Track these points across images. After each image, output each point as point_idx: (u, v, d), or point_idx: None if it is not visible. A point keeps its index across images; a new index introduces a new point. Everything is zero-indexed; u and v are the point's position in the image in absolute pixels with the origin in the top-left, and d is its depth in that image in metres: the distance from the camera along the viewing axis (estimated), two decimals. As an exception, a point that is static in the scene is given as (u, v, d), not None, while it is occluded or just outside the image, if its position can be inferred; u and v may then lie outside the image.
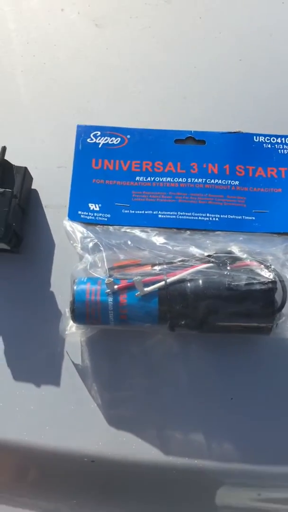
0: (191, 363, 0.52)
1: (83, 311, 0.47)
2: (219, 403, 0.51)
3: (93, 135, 0.60)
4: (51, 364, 0.52)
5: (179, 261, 0.50)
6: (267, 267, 0.48)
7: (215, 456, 0.50)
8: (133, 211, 0.57)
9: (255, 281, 0.46)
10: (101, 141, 0.60)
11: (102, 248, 0.52)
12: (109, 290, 0.47)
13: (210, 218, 0.56)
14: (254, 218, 0.56)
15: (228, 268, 0.48)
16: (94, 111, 0.62)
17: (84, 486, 0.52)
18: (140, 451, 0.50)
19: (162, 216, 0.56)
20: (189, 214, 0.56)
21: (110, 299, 0.47)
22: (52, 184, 0.59)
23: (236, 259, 0.50)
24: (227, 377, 0.52)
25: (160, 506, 0.53)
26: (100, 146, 0.60)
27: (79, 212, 0.56)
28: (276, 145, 0.60)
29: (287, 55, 0.65)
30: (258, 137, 0.60)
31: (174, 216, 0.56)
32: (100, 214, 0.56)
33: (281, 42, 0.66)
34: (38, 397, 0.51)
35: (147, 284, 0.47)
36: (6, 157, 0.53)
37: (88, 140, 0.60)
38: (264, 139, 0.60)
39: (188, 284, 0.47)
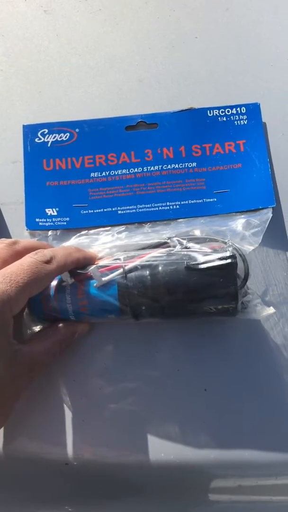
0: (161, 357, 0.62)
1: (40, 305, 0.58)
2: (192, 395, 0.61)
3: (41, 134, 0.70)
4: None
5: (139, 249, 0.61)
6: (225, 243, 0.59)
7: (191, 450, 0.59)
8: (92, 211, 0.67)
9: (213, 258, 0.56)
10: (50, 139, 0.70)
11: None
12: (64, 282, 0.58)
13: (171, 207, 0.67)
14: (215, 199, 0.67)
15: (186, 247, 0.59)
16: (47, 101, 0.72)
17: (59, 489, 0.62)
18: (112, 451, 0.59)
19: (122, 212, 0.67)
20: (148, 205, 0.67)
21: (67, 292, 0.58)
22: (7, 180, 0.69)
23: (194, 239, 0.61)
24: (199, 368, 0.62)
25: (138, 504, 0.62)
26: (49, 145, 0.70)
27: (37, 220, 0.67)
28: (232, 117, 0.70)
29: (245, 30, 0.77)
30: (212, 111, 0.71)
31: (133, 210, 0.67)
32: (59, 219, 0.67)
33: (238, 16, 0.79)
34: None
35: (105, 274, 0.58)
36: None
37: (36, 140, 0.70)
38: (219, 112, 0.70)
39: (147, 269, 0.57)
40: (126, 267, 0.58)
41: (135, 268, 0.58)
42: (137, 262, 0.58)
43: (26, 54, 0.76)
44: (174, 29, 0.78)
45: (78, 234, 0.65)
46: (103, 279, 0.58)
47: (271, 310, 0.60)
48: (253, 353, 0.62)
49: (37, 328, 0.62)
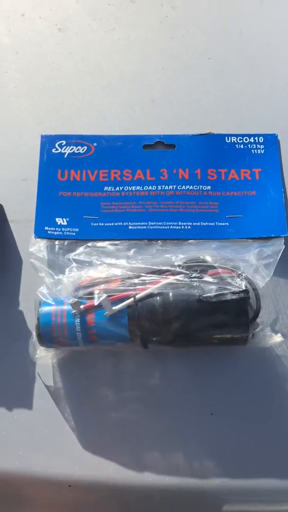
0: (167, 380, 0.52)
1: (50, 334, 0.47)
2: (199, 419, 0.51)
3: (58, 145, 0.59)
4: (23, 387, 0.52)
5: (149, 274, 0.49)
6: (239, 275, 0.47)
7: (197, 474, 0.49)
8: (102, 224, 0.56)
9: (226, 291, 0.46)
10: (67, 150, 0.59)
11: (69, 268, 0.51)
12: (75, 311, 0.46)
13: (182, 227, 0.55)
14: (227, 224, 0.55)
15: (199, 277, 0.48)
16: (60, 119, 0.62)
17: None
18: (118, 474, 0.49)
19: (133, 227, 0.56)
20: (160, 223, 0.56)
21: (77, 320, 0.46)
22: (17, 197, 0.58)
23: (207, 267, 0.49)
24: (206, 392, 0.51)
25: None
26: (65, 156, 0.59)
27: (46, 228, 0.55)
28: (249, 145, 0.59)
29: (257, 52, 0.65)
30: (230, 137, 0.59)
31: (144, 227, 0.56)
32: (68, 229, 0.55)
33: (251, 39, 0.66)
34: (10, 421, 0.51)
35: (115, 302, 0.47)
36: None
37: (53, 150, 0.59)
38: (237, 140, 0.59)
39: (157, 299, 0.47)
40: (137, 296, 0.47)
41: (145, 298, 0.47)
42: (148, 291, 0.47)
43: (39, 72, 0.64)
44: (187, 50, 0.65)
45: (85, 245, 0.54)
46: (113, 308, 0.46)
47: (279, 338, 0.50)
48: (261, 380, 0.52)
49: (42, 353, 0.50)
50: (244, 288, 0.46)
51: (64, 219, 0.56)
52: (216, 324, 0.46)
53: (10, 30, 0.67)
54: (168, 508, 0.51)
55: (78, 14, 0.67)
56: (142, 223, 0.56)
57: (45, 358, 0.51)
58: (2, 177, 0.59)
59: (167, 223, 0.56)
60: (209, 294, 0.46)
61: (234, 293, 0.46)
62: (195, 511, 0.52)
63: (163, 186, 0.57)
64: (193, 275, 0.48)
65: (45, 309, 0.47)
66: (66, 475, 0.49)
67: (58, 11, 0.67)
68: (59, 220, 0.56)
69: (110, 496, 0.50)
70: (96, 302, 0.46)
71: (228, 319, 0.46)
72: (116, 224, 0.56)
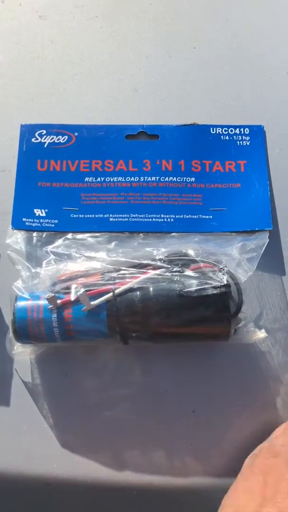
0: (149, 376, 0.51)
1: (26, 330, 0.45)
2: (180, 416, 0.50)
3: (38, 134, 0.57)
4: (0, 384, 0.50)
5: (130, 268, 0.48)
6: (221, 270, 0.46)
7: (178, 473, 0.48)
8: (83, 215, 0.54)
9: (207, 286, 0.45)
10: (47, 140, 0.57)
11: (47, 260, 0.49)
12: (51, 306, 0.44)
13: (165, 219, 0.54)
14: (211, 217, 0.54)
15: (180, 272, 0.46)
16: (40, 109, 0.59)
17: (39, 511, 0.49)
18: (97, 472, 0.48)
19: (114, 220, 0.54)
20: (142, 216, 0.54)
21: (54, 316, 0.45)
22: (-6, 189, 0.55)
23: (189, 262, 0.48)
24: (188, 389, 0.50)
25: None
26: (45, 145, 0.57)
27: (24, 219, 0.54)
28: (235, 137, 0.57)
29: (243, 41, 0.63)
30: (215, 128, 0.58)
31: (126, 219, 0.54)
32: (47, 220, 0.54)
33: (237, 28, 0.64)
34: (-14, 419, 0.49)
35: (93, 297, 0.45)
36: None
37: (33, 140, 0.57)
38: (222, 131, 0.58)
39: (137, 294, 0.45)
40: (116, 291, 0.45)
41: (125, 293, 0.45)
42: (127, 285, 0.46)
43: (19, 60, 0.62)
44: (171, 38, 0.64)
45: (64, 237, 0.53)
46: (92, 303, 0.45)
47: (262, 333, 0.48)
48: (244, 376, 0.51)
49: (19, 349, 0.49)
50: (225, 282, 0.45)
51: (42, 210, 0.54)
52: (197, 319, 0.45)
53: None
54: (148, 506, 0.50)
55: (59, 1, 0.65)
56: (123, 215, 0.54)
57: (22, 354, 0.49)
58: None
59: (149, 216, 0.54)
60: (190, 289, 0.45)
61: (215, 287, 0.44)
62: (176, 509, 0.51)
63: (145, 178, 0.55)
64: (174, 269, 0.47)
65: (21, 304, 0.45)
66: (44, 474, 0.48)
67: (39, -2, 0.65)
68: (37, 211, 0.54)
69: (89, 494, 0.49)
70: (73, 297, 0.44)
71: (209, 314, 0.45)
72: (96, 216, 0.54)
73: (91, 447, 0.49)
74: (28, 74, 0.61)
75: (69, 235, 0.53)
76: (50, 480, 0.48)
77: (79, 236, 0.53)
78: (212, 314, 0.45)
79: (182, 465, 0.49)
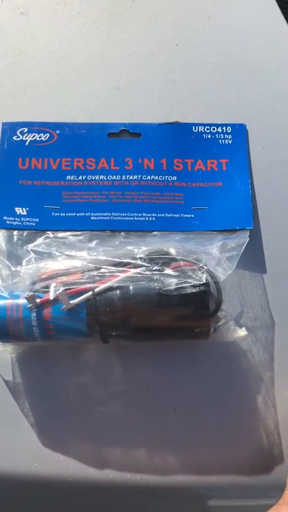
0: (130, 375, 0.51)
1: (5, 329, 0.45)
2: (161, 415, 0.50)
3: (20, 132, 0.57)
4: (-19, 383, 0.49)
5: (110, 266, 0.48)
6: (200, 268, 0.46)
7: (158, 471, 0.49)
8: (64, 214, 0.54)
9: (186, 284, 0.45)
10: (29, 138, 0.57)
11: (27, 259, 0.49)
12: (31, 305, 0.44)
13: (146, 218, 0.54)
14: (193, 215, 0.54)
15: (160, 271, 0.46)
16: (22, 106, 0.59)
17: (20, 510, 0.49)
18: (78, 470, 0.48)
19: (95, 218, 0.54)
20: (124, 214, 0.54)
21: (33, 315, 0.45)
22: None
23: (169, 260, 0.48)
24: (169, 388, 0.50)
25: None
26: (27, 143, 0.57)
27: (5, 218, 0.54)
28: (217, 135, 0.58)
29: (226, 39, 0.63)
30: (197, 127, 0.58)
31: (108, 217, 0.54)
32: (28, 219, 0.54)
33: (220, 25, 0.64)
34: None
35: (73, 296, 0.45)
36: None
37: (14, 138, 0.57)
38: (204, 129, 0.58)
39: (117, 292, 0.45)
40: (96, 290, 0.45)
41: (104, 291, 0.46)
42: (107, 284, 0.46)
43: (0, 57, 0.62)
44: (154, 36, 0.63)
45: (45, 236, 0.53)
46: (71, 302, 0.45)
47: (243, 332, 0.48)
48: (224, 375, 0.51)
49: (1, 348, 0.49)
50: (204, 281, 0.45)
51: (23, 209, 0.54)
52: (176, 317, 0.45)
53: None
54: (128, 505, 0.50)
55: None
56: (105, 214, 0.54)
57: (3, 353, 0.49)
58: None
59: (131, 214, 0.54)
60: (169, 287, 0.45)
61: (194, 286, 0.45)
62: (157, 508, 0.51)
63: (127, 176, 0.55)
64: (154, 268, 0.47)
65: (0, 302, 0.45)
66: (25, 473, 0.48)
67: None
68: (18, 210, 0.54)
69: (70, 493, 0.49)
70: (52, 296, 0.44)
71: (188, 313, 0.45)
72: (78, 214, 0.54)
73: (72, 445, 0.49)
74: (9, 71, 0.61)
75: (50, 234, 0.53)
76: (31, 479, 0.48)
77: (60, 234, 0.53)
78: (191, 312, 0.45)
79: (163, 463, 0.49)
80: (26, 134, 0.57)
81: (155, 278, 0.46)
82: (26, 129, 0.57)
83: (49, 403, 0.50)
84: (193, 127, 0.58)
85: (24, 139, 0.57)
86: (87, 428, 0.49)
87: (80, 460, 0.49)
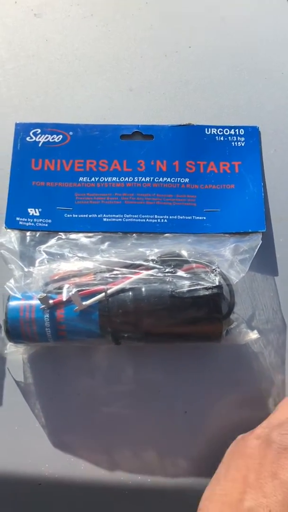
0: (141, 377, 0.51)
1: (18, 330, 0.45)
2: (172, 417, 0.50)
3: (33, 133, 0.57)
4: (-8, 383, 0.50)
5: (123, 268, 0.48)
6: (213, 271, 0.46)
7: (169, 473, 0.49)
8: (76, 215, 0.54)
9: (199, 287, 0.45)
10: (42, 139, 0.57)
11: (40, 260, 0.49)
12: (43, 306, 0.44)
13: (159, 220, 0.54)
14: (205, 218, 0.54)
15: (172, 273, 0.46)
16: (35, 108, 0.59)
17: (31, 511, 0.49)
18: (89, 472, 0.49)
19: (107, 220, 0.54)
20: (136, 216, 0.54)
21: (46, 316, 0.45)
22: (-13, 189, 0.56)
23: (181, 262, 0.48)
24: (180, 390, 0.50)
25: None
26: (40, 145, 0.57)
27: (18, 219, 0.54)
28: (230, 137, 0.58)
29: (239, 41, 0.63)
30: (210, 129, 0.58)
31: (120, 219, 0.54)
32: (40, 220, 0.54)
33: (233, 27, 0.64)
34: (-21, 418, 0.49)
35: (85, 297, 0.45)
36: None
37: (28, 138, 0.57)
38: (217, 131, 0.58)
39: (129, 294, 0.45)
40: (108, 291, 0.45)
41: (117, 293, 0.46)
42: (119, 286, 0.46)
43: (13, 58, 0.62)
44: (167, 37, 0.63)
45: (57, 237, 0.53)
46: (84, 303, 0.45)
47: (254, 334, 0.48)
48: (236, 378, 0.51)
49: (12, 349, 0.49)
50: (217, 283, 0.45)
51: (36, 210, 0.54)
52: (189, 320, 0.45)
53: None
54: (139, 507, 0.50)
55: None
56: (117, 216, 0.54)
57: (15, 353, 0.50)
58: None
59: (143, 216, 0.54)
60: (181, 290, 0.45)
61: (207, 288, 0.45)
62: (168, 509, 0.51)
63: (140, 178, 0.56)
64: (167, 270, 0.47)
65: (13, 303, 0.46)
66: (36, 473, 0.48)
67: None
68: (31, 211, 0.54)
69: (81, 494, 0.49)
70: (65, 297, 0.44)
71: (201, 315, 0.45)
72: (90, 216, 0.54)
73: (83, 446, 0.49)
74: (22, 73, 0.61)
75: (62, 235, 0.53)
76: (42, 479, 0.48)
77: (73, 236, 0.53)
78: (204, 315, 0.45)
79: (173, 465, 0.49)
80: (39, 135, 0.57)
81: (167, 280, 0.46)
82: (39, 130, 0.57)
83: (60, 404, 0.50)
84: (206, 129, 0.58)
85: (37, 140, 0.57)
86: (97, 430, 0.50)
87: (90, 462, 0.49)
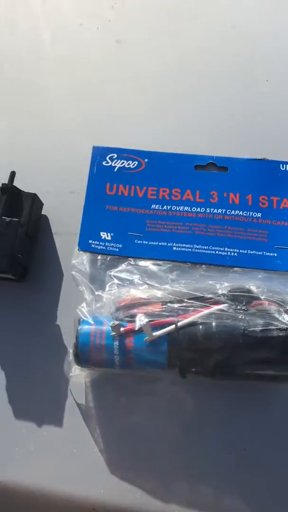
0: (202, 410, 0.50)
1: (87, 355, 0.46)
2: (231, 453, 0.49)
3: (109, 158, 0.58)
4: (54, 403, 0.51)
5: (192, 300, 0.48)
6: (286, 311, 0.45)
7: (225, 509, 0.48)
8: (146, 242, 0.55)
9: (272, 327, 0.44)
10: (117, 164, 0.58)
11: (110, 284, 0.50)
12: (114, 333, 0.45)
13: (229, 253, 0.54)
14: (276, 254, 0.54)
15: (244, 309, 0.46)
16: (111, 133, 0.61)
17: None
18: (144, 502, 0.48)
19: (177, 249, 0.54)
20: (206, 247, 0.54)
21: (116, 343, 0.45)
22: (63, 210, 0.58)
23: (252, 298, 0.47)
24: (240, 426, 0.50)
25: None
26: (116, 169, 0.58)
27: (90, 241, 0.55)
28: (305, 174, 0.56)
29: None
30: (285, 165, 0.57)
31: (189, 249, 0.54)
32: (112, 244, 0.55)
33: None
34: (39, 437, 0.50)
35: (156, 328, 0.45)
36: (16, 182, 0.52)
37: (104, 163, 0.58)
38: (292, 168, 0.56)
39: (200, 328, 0.45)
40: (179, 324, 0.45)
41: (187, 326, 0.45)
42: (190, 319, 0.45)
43: (94, 83, 0.64)
44: (244, 70, 0.64)
45: (127, 262, 0.53)
46: (154, 334, 0.45)
47: None
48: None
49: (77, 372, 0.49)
50: (292, 326, 0.43)
51: (108, 234, 0.55)
52: (260, 360, 0.44)
53: (68, 39, 0.66)
54: None
55: (136, 26, 0.66)
56: (187, 245, 0.54)
57: (79, 377, 0.50)
58: (49, 189, 0.58)
59: (213, 248, 0.54)
60: (254, 329, 0.44)
61: (281, 329, 0.44)
62: None
63: (212, 209, 0.56)
64: (239, 306, 0.46)
65: (84, 328, 0.46)
66: (91, 498, 0.48)
67: (116, 23, 0.66)
68: (103, 234, 0.55)
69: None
70: (137, 327, 0.45)
71: (273, 356, 0.44)
72: (160, 243, 0.55)
73: (139, 475, 0.49)
74: (101, 97, 0.63)
75: (132, 261, 0.53)
76: (97, 505, 0.48)
77: (142, 262, 0.53)
78: (276, 356, 0.44)
79: (230, 503, 0.48)
80: (115, 160, 0.58)
81: (240, 317, 0.45)
82: (115, 155, 0.58)
83: (119, 431, 0.50)
84: (281, 165, 0.57)
85: (113, 165, 0.58)
86: (155, 460, 0.49)
87: (146, 491, 0.48)
